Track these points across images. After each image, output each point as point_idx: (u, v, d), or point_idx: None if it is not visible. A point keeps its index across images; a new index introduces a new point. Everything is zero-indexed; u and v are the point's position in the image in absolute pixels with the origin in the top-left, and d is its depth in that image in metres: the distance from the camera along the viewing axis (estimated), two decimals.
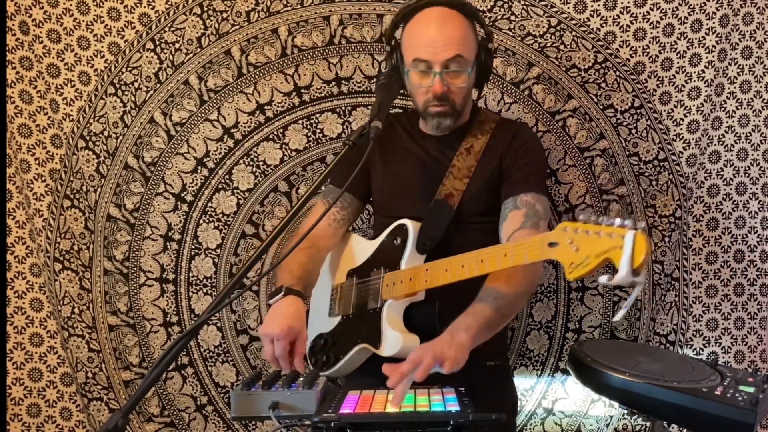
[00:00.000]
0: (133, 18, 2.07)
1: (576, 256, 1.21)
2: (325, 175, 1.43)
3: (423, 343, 1.44)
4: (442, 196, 1.70)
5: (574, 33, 2.08)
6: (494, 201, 1.71)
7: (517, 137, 1.76)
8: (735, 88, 2.11)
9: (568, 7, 2.08)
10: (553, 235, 1.27)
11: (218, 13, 2.08)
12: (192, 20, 2.08)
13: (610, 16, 2.07)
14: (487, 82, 1.81)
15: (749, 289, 2.18)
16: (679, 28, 2.06)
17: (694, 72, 2.07)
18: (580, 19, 2.08)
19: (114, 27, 2.07)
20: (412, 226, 1.66)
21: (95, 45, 2.07)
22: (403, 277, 1.61)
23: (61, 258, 2.10)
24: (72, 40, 2.06)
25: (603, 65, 2.08)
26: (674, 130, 2.10)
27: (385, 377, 1.30)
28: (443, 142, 1.77)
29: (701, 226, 2.16)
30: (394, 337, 1.58)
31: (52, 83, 2.06)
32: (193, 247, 2.15)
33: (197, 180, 2.13)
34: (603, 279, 1.16)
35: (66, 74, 2.06)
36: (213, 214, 2.14)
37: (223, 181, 2.13)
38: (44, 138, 2.08)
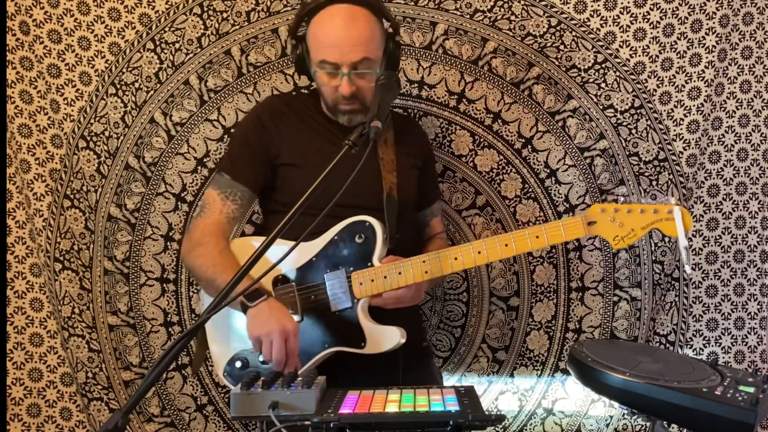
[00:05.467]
0: (133, 18, 2.07)
1: (620, 230, 1.53)
2: (323, 176, 1.41)
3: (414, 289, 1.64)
4: (387, 189, 1.71)
5: (574, 33, 2.08)
6: (416, 194, 1.83)
7: (424, 136, 1.97)
8: (735, 88, 2.11)
9: (568, 7, 2.08)
10: (591, 215, 1.55)
11: (218, 13, 2.08)
12: (192, 20, 2.08)
13: (610, 17, 2.07)
14: (396, 70, 1.77)
15: (749, 289, 2.18)
16: (679, 28, 2.06)
17: (694, 72, 2.07)
18: (580, 19, 2.08)
19: (114, 27, 2.07)
20: (376, 222, 1.65)
21: (96, 45, 2.07)
22: (385, 272, 1.61)
23: (61, 258, 2.10)
24: (73, 41, 2.06)
25: (603, 65, 2.08)
26: (674, 130, 2.10)
27: (361, 377, 1.45)
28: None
29: (701, 226, 2.16)
30: (387, 332, 1.61)
31: (53, 83, 2.06)
32: None
33: (197, 180, 2.13)
34: (683, 242, 1.48)
35: (67, 74, 2.07)
36: None
37: None
38: (44, 138, 2.08)
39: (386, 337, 1.61)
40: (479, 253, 1.60)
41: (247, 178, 1.72)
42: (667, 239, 2.12)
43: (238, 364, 1.67)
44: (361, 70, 1.63)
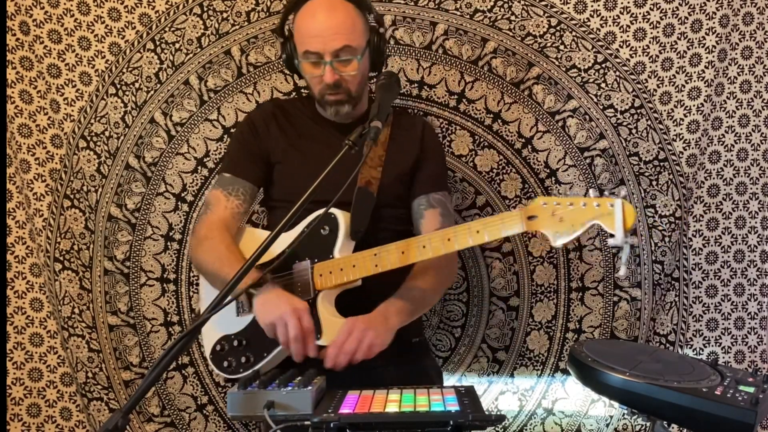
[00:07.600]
0: (133, 18, 2.07)
1: (560, 226, 1.40)
2: (323, 176, 1.42)
3: (355, 318, 1.56)
4: (362, 183, 1.71)
5: (574, 33, 2.08)
6: (405, 190, 1.81)
7: (426, 131, 1.86)
8: (735, 88, 2.11)
9: (568, 7, 2.08)
10: (532, 210, 1.43)
11: (218, 13, 2.08)
12: (192, 20, 2.08)
13: (610, 17, 2.07)
14: (383, 65, 1.81)
15: (749, 289, 2.18)
16: (679, 28, 2.06)
17: (694, 72, 2.07)
18: (580, 19, 2.08)
19: (114, 27, 2.07)
20: (341, 215, 1.65)
21: (96, 45, 2.07)
22: (342, 264, 1.60)
23: (61, 258, 2.10)
24: (73, 41, 2.06)
25: (603, 65, 2.08)
26: (674, 130, 2.10)
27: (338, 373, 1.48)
28: (348, 130, 1.68)
29: (701, 226, 2.16)
30: (339, 325, 1.56)
31: (53, 83, 2.06)
32: None
33: (198, 180, 2.13)
34: (611, 241, 1.36)
35: (67, 74, 2.07)
36: None
37: None
38: (44, 138, 2.08)
39: (338, 330, 1.57)
40: (423, 247, 1.56)
41: (247, 173, 1.78)
42: (667, 239, 2.12)
43: (218, 347, 1.71)
44: (343, 57, 1.67)
